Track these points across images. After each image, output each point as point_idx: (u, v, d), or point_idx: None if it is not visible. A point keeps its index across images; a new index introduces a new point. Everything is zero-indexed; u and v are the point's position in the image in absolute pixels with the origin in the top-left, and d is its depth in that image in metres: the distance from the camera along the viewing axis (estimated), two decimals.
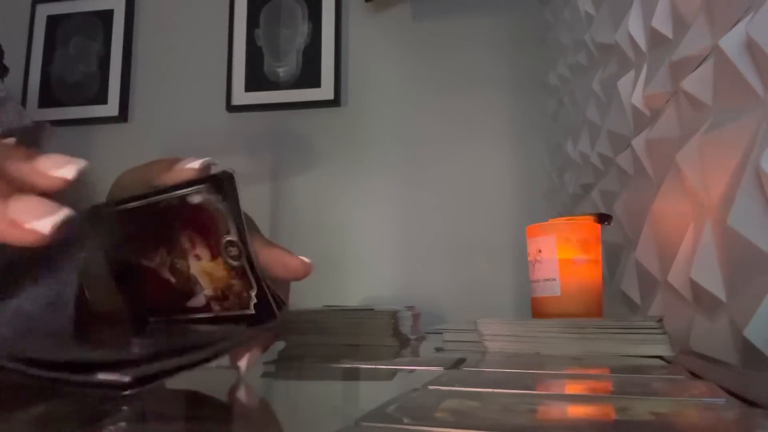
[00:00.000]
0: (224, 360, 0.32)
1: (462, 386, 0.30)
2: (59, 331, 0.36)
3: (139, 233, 0.34)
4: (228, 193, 0.30)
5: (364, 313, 0.67)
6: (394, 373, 0.42)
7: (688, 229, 0.55)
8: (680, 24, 0.58)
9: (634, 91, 0.72)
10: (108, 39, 2.15)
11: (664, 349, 0.49)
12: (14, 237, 0.25)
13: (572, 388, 0.33)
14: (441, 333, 0.65)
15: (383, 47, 1.92)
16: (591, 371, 0.41)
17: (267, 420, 0.28)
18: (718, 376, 0.34)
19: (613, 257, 0.85)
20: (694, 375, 0.36)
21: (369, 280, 1.81)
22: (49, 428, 0.24)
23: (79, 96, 2.14)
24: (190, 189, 0.31)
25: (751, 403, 0.26)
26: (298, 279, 0.34)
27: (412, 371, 0.43)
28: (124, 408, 0.25)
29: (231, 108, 2.00)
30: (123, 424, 0.24)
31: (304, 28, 1.98)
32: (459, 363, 0.42)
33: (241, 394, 0.34)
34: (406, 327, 0.73)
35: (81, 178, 0.27)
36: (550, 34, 1.54)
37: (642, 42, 0.69)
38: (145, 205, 0.32)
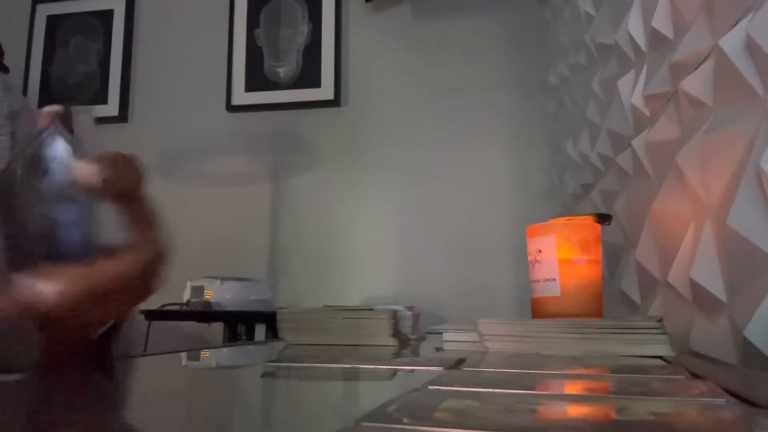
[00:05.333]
0: (223, 359, 0.32)
1: (462, 386, 0.30)
2: None
3: None
4: None
5: (364, 313, 0.67)
6: (394, 373, 0.42)
7: (688, 229, 0.55)
8: (680, 24, 0.58)
9: (634, 91, 0.72)
10: (108, 39, 2.15)
11: (664, 349, 0.49)
12: None
13: (572, 388, 0.33)
14: (441, 333, 0.65)
15: (383, 47, 1.92)
16: (591, 371, 0.41)
17: (267, 420, 0.28)
18: (718, 376, 0.34)
19: (613, 257, 0.84)
20: (694, 375, 0.36)
21: (369, 280, 1.81)
22: None
23: (79, 96, 2.14)
24: None
25: (751, 403, 0.26)
26: None
27: (412, 371, 0.43)
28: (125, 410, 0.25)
29: (231, 108, 2.00)
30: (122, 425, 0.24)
31: (304, 28, 1.98)
32: (459, 363, 0.42)
33: (242, 394, 0.34)
34: (406, 327, 0.73)
35: None
36: (550, 34, 1.54)
37: (642, 42, 0.69)
38: None
